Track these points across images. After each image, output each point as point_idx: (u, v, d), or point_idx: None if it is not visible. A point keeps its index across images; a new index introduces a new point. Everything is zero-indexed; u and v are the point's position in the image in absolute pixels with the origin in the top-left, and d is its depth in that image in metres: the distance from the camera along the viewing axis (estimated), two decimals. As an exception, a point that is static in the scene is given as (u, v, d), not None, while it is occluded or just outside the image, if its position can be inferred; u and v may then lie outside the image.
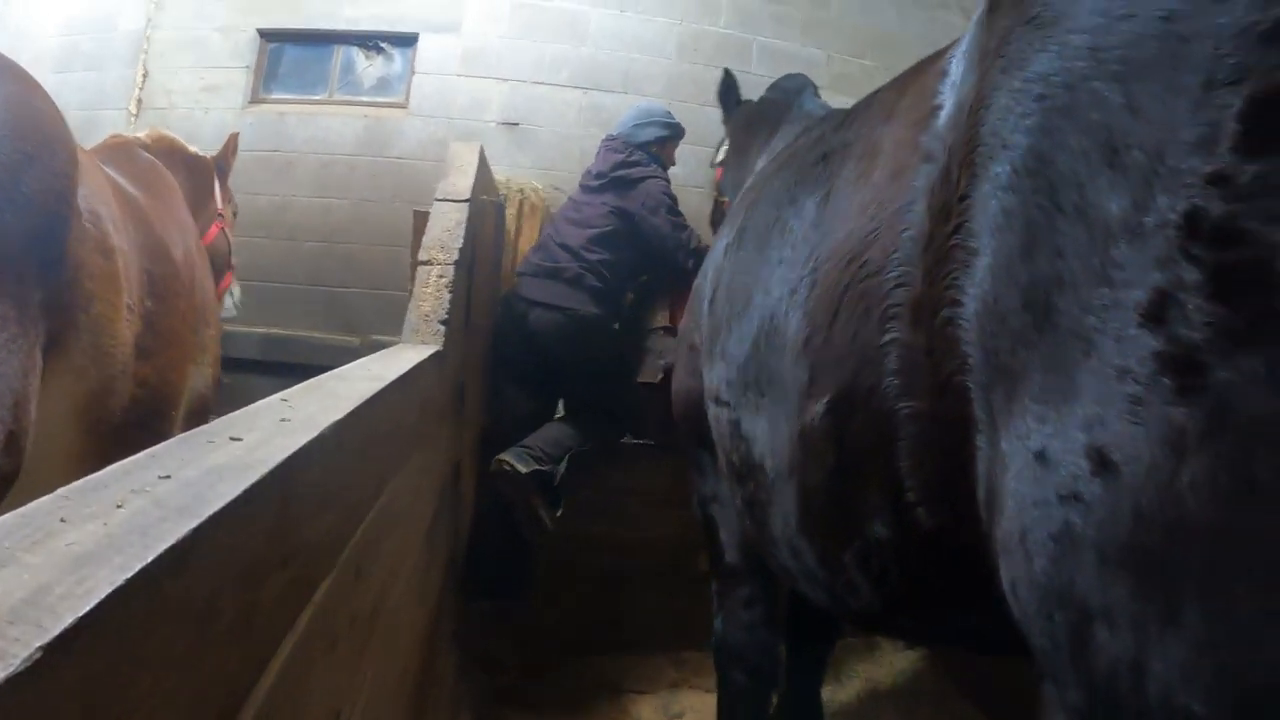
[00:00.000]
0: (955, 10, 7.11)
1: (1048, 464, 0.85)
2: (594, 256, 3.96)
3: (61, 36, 5.92)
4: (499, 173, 5.11)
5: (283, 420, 1.04)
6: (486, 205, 3.81)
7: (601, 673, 3.72)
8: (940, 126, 1.22)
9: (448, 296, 2.88)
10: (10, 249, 1.70)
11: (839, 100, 6.09)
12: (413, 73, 5.77)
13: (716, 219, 4.30)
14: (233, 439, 0.91)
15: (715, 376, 2.05)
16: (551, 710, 3.42)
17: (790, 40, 6.48)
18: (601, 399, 4.02)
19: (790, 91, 3.69)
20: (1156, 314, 0.74)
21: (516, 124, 5.77)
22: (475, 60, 5.77)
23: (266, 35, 5.74)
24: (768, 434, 1.67)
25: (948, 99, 1.24)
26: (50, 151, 1.83)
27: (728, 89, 4.22)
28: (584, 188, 4.24)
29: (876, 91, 1.76)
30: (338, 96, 5.78)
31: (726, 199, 4.16)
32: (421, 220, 3.46)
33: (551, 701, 3.48)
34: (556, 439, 3.79)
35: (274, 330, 5.29)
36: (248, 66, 5.70)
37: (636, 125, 4.41)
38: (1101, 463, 0.78)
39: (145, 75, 5.71)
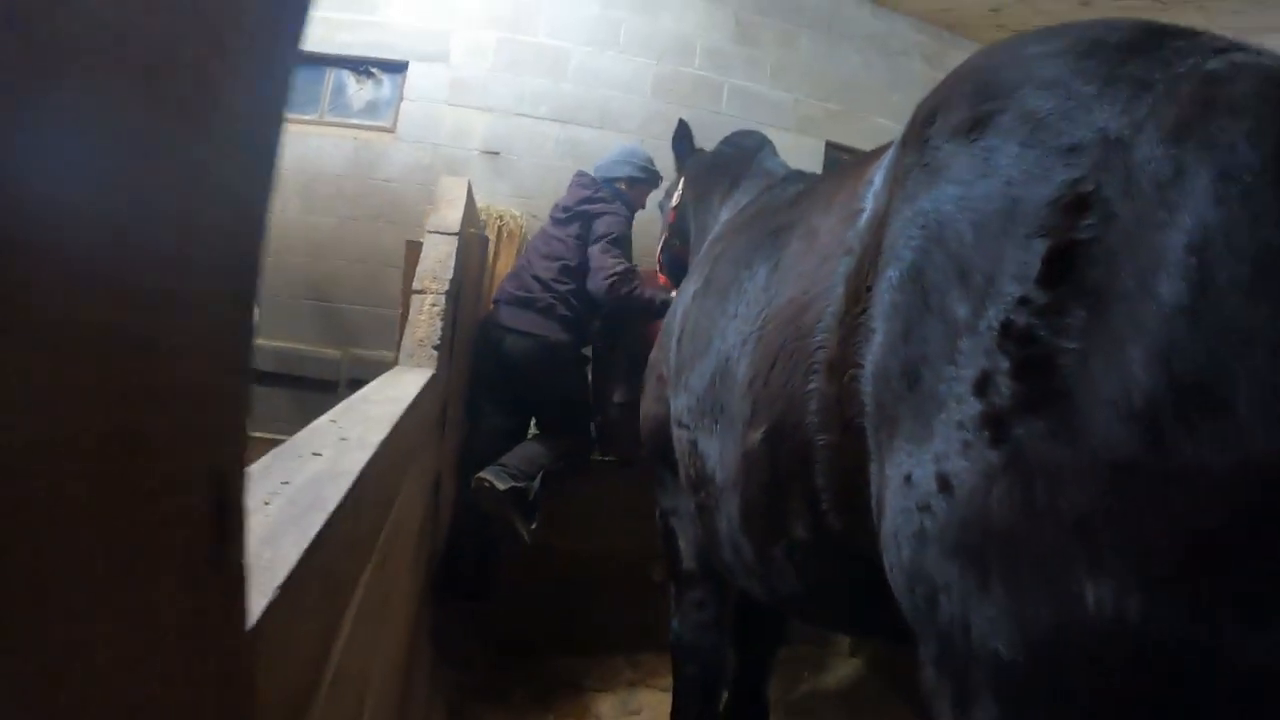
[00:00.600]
0: (916, 58, 7.44)
1: (911, 484, 1.20)
2: (563, 287, 4.26)
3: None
4: (480, 199, 5.40)
5: (342, 439, 1.34)
6: (472, 238, 4.11)
7: (564, 672, 4.01)
8: (860, 227, 1.56)
9: (439, 324, 3.16)
10: None
11: (805, 141, 6.53)
12: (401, 99, 6.04)
13: (668, 256, 4.51)
14: (314, 454, 1.21)
15: (679, 404, 2.40)
16: (518, 705, 3.71)
17: (760, 83, 6.80)
18: (571, 419, 4.33)
19: (749, 149, 3.91)
20: (981, 387, 1.09)
21: (498, 153, 6.08)
22: (461, 90, 6.07)
23: None
24: (718, 453, 2.03)
25: (868, 205, 1.56)
26: None
27: (682, 137, 4.47)
28: (553, 219, 4.54)
29: (821, 179, 2.25)
30: (328, 117, 6.04)
31: (677, 241, 4.44)
32: (414, 250, 3.74)
33: (518, 697, 3.76)
34: (531, 457, 4.06)
35: (261, 341, 5.53)
36: None
37: (614, 162, 4.72)
38: (944, 485, 1.13)
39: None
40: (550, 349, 4.20)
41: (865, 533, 1.44)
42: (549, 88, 6.23)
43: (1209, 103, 0.99)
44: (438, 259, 3.47)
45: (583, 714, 3.78)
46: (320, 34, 5.91)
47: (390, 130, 6.05)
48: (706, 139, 4.64)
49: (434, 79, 6.05)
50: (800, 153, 6.25)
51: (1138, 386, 0.93)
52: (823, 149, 6.96)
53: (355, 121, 6.09)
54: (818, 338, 1.59)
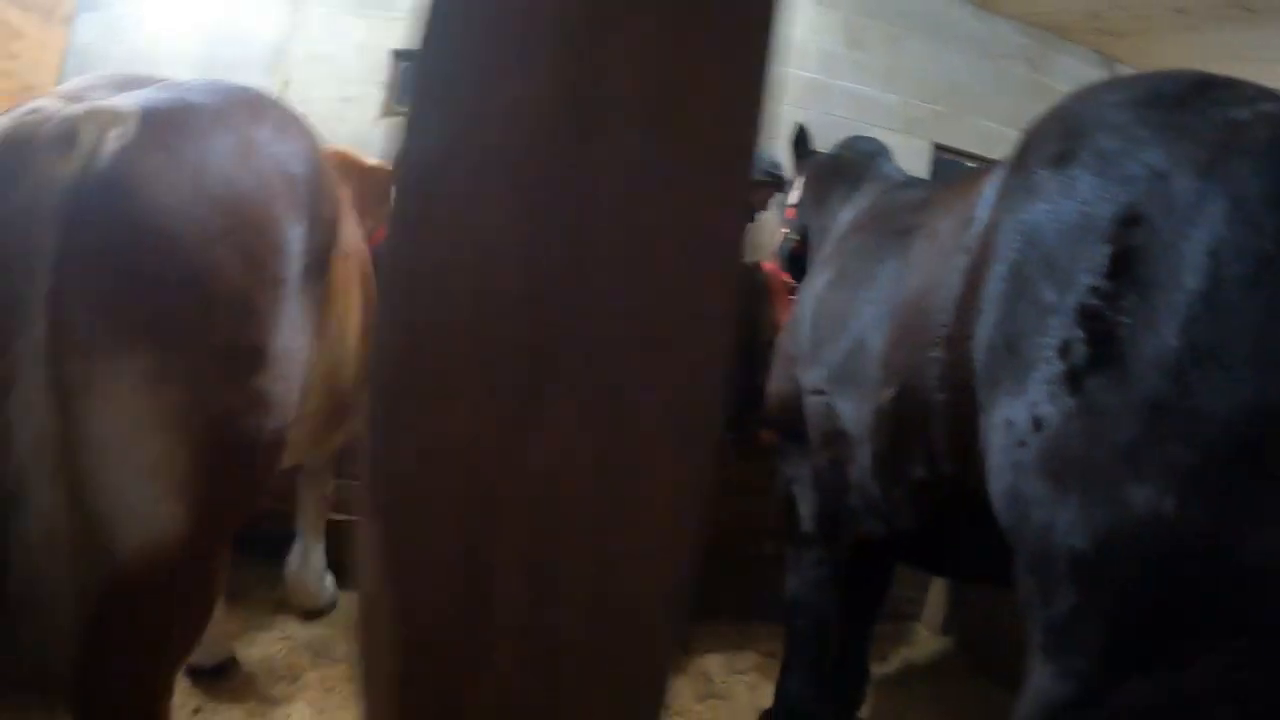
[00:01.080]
0: (1020, 61, 7.49)
1: (1011, 426, 1.64)
2: None
3: (201, 46, 6.39)
4: None
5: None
6: None
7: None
8: (974, 233, 1.98)
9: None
10: (312, 252, 2.12)
11: (913, 142, 6.79)
12: None
13: (785, 252, 4.72)
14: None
15: (815, 375, 2.81)
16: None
17: (869, 85, 6.96)
18: None
19: (867, 154, 4.19)
20: (1063, 352, 1.54)
21: None
22: None
23: (399, 56, 6.34)
24: (854, 412, 2.50)
25: (980, 214, 1.98)
26: (330, 187, 2.36)
27: (800, 140, 4.77)
28: None
29: (940, 190, 2.73)
30: None
31: (796, 238, 4.76)
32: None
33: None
34: None
35: None
36: (381, 82, 6.31)
37: None
38: (1036, 425, 1.58)
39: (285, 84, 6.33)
40: None
41: (972, 473, 1.85)
42: None
43: (1228, 146, 1.43)
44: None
45: (694, 672, 4.10)
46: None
47: None
48: (820, 140, 4.92)
49: None
50: (908, 153, 6.34)
51: (1170, 350, 1.37)
52: (929, 150, 7.12)
53: None
54: (940, 317, 2.02)
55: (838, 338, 2.67)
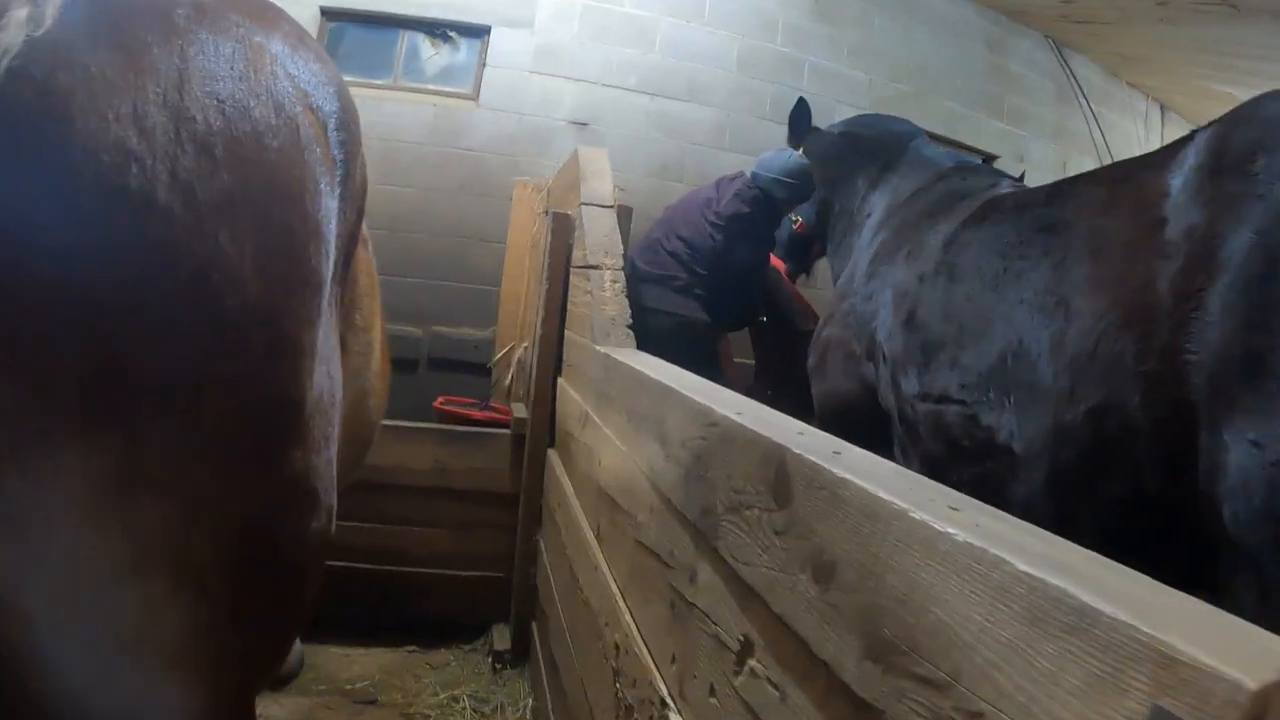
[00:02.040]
0: (980, 42, 7.44)
1: (1260, 446, 1.57)
2: (700, 271, 4.19)
3: None
4: None
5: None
6: (623, 211, 3.89)
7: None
8: (1173, 237, 1.85)
9: (625, 301, 2.96)
10: (345, 239, 1.41)
11: None
12: (483, 65, 5.75)
13: (784, 233, 4.47)
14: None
15: (939, 381, 2.56)
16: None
17: (838, 62, 6.67)
18: None
19: (900, 136, 3.88)
20: None
21: (586, 124, 5.82)
22: (547, 58, 5.80)
23: (329, 14, 5.66)
24: (1015, 426, 2.24)
25: (1174, 217, 1.87)
26: (360, 135, 1.51)
27: (802, 115, 4.42)
28: (707, 208, 4.41)
29: (1073, 181, 2.50)
30: (403, 82, 5.75)
31: (800, 220, 4.33)
32: (563, 222, 3.53)
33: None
34: None
35: None
36: None
37: (776, 180, 4.47)
38: None
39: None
40: (694, 328, 4.08)
41: (1179, 487, 1.80)
42: (636, 58, 5.99)
43: None
44: (603, 232, 3.26)
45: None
46: (394, -8, 5.64)
47: (472, 98, 5.76)
48: (787, 114, 4.58)
49: (518, 45, 5.76)
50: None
51: None
52: None
53: (433, 87, 5.80)
54: (1141, 328, 1.87)
55: (977, 341, 2.42)
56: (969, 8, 7.40)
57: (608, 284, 3.01)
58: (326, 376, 1.27)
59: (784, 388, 4.45)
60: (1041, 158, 7.85)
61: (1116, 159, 8.44)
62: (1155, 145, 9.21)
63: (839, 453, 1.05)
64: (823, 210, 4.16)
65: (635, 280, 4.08)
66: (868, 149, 3.90)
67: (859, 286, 3.22)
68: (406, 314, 5.50)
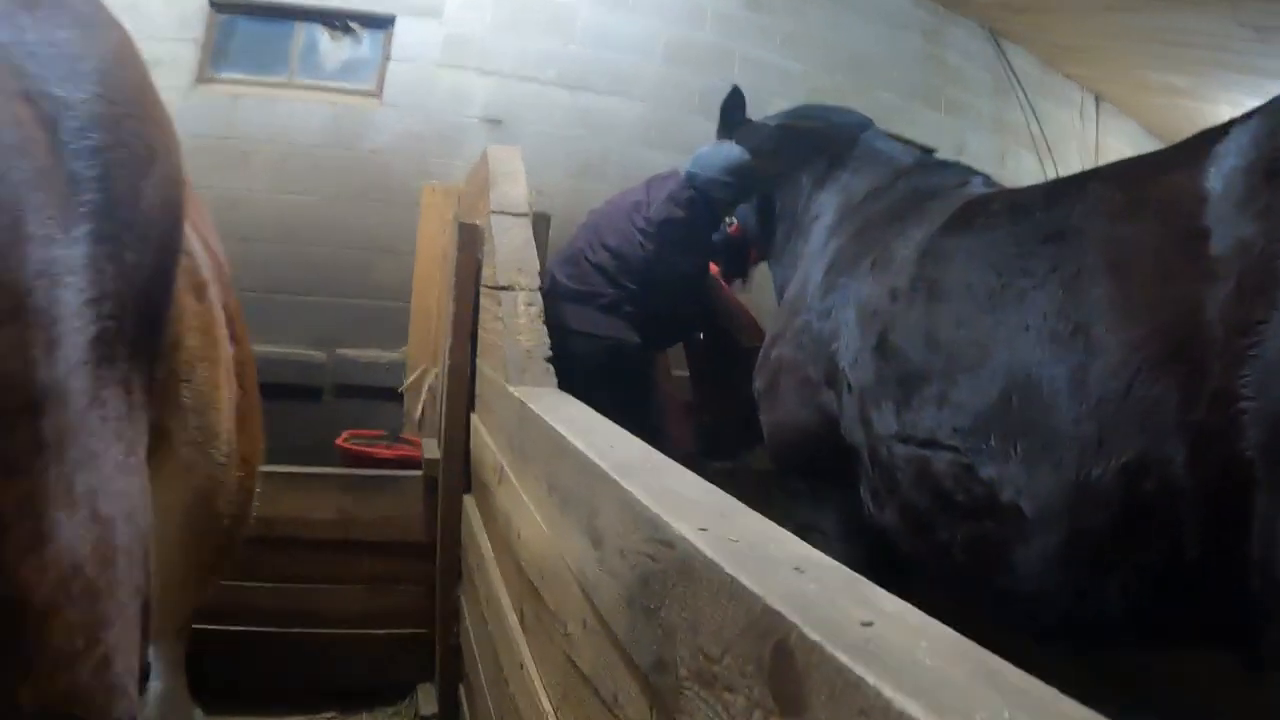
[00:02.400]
0: (916, 33, 7.21)
1: None
2: (630, 285, 3.72)
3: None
4: None
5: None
6: (539, 219, 3.43)
7: None
8: (1221, 252, 1.54)
9: (543, 328, 2.52)
10: (126, 299, 0.92)
11: None
12: (387, 59, 5.25)
13: (719, 236, 4.05)
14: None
15: (922, 420, 2.16)
16: None
17: (770, 52, 6.32)
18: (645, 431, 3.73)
19: (848, 126, 3.53)
20: None
21: (500, 121, 5.34)
22: (457, 50, 5.31)
23: (218, 5, 5.11)
24: (1025, 480, 1.86)
25: (1219, 228, 1.56)
26: (170, 141, 1.06)
27: (734, 105, 4.02)
28: (634, 213, 3.88)
29: (1074, 181, 2.11)
30: (299, 80, 5.21)
31: (735, 222, 3.94)
32: (471, 234, 3.07)
33: None
34: None
35: None
36: (195, 40, 5.04)
37: (714, 179, 3.88)
38: None
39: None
40: (623, 352, 3.63)
41: (1226, 556, 1.52)
42: (555, 49, 5.52)
43: None
44: (514, 246, 2.81)
45: None
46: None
47: (375, 95, 5.24)
48: (717, 107, 4.24)
49: (426, 36, 5.27)
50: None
51: None
52: None
53: (333, 84, 5.26)
54: (1192, 367, 1.56)
55: (972, 375, 2.04)
56: (906, -5, 7.14)
57: (522, 308, 2.57)
58: (89, 523, 0.81)
59: (727, 413, 4.04)
60: (980, 150, 7.62)
61: (1055, 152, 8.46)
62: (1092, 137, 9.36)
63: (870, 624, 0.68)
64: (761, 211, 3.77)
65: (556, 297, 3.61)
66: (811, 143, 3.52)
67: (813, 301, 2.81)
68: (308, 336, 5.00)
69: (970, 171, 3.00)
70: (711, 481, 3.67)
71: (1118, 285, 1.74)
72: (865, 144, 3.37)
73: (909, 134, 7.03)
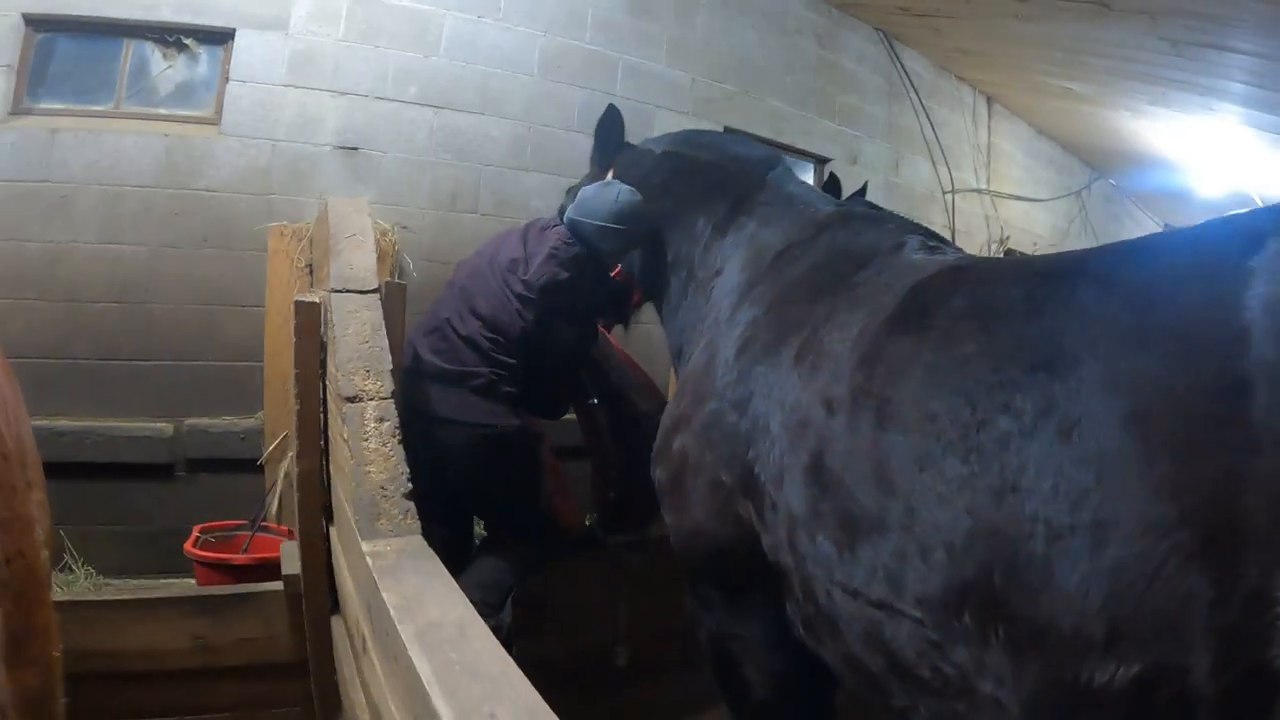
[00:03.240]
0: (809, 37, 6.92)
1: None
2: (505, 358, 3.17)
3: None
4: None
5: None
6: (394, 292, 2.90)
7: None
8: (1265, 416, 1.19)
9: (399, 452, 2.03)
10: None
11: (703, 126, 5.54)
12: (226, 79, 4.59)
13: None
14: None
15: (876, 581, 1.76)
16: None
17: (656, 61, 5.88)
18: (528, 514, 3.32)
19: (751, 162, 3.07)
20: None
21: (356, 148, 4.75)
22: (306, 67, 4.68)
23: (35, 23, 4.40)
24: (1008, 672, 1.51)
25: (1264, 379, 1.20)
26: None
27: (611, 127, 3.49)
28: (499, 265, 3.29)
29: (1058, 274, 1.68)
30: (127, 107, 4.53)
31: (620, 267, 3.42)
32: (309, 315, 2.55)
33: None
34: (496, 581, 3.16)
35: (56, 421, 4.06)
36: (8, 65, 4.34)
37: (601, 228, 3.28)
38: None
39: None
40: (498, 440, 3.13)
41: None
42: (417, 63, 4.94)
43: None
44: (360, 336, 2.29)
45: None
46: (111, -13, 4.42)
47: (213, 122, 4.58)
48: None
49: (270, 52, 4.61)
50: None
51: None
52: None
53: (165, 111, 4.58)
54: (1227, 561, 1.22)
55: (940, 535, 1.61)
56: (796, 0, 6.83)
57: (372, 425, 2.07)
58: None
59: (627, 484, 3.61)
60: (875, 158, 7.42)
61: (949, 156, 8.28)
62: (984, 139, 9.23)
63: None
64: (648, 252, 3.27)
65: (421, 376, 3.09)
66: (709, 179, 3.06)
67: (724, 386, 2.36)
68: (151, 406, 4.36)
69: (903, 226, 2.57)
70: (616, 558, 3.16)
71: (1135, 447, 1.36)
72: (774, 186, 2.92)
73: (802, 144, 6.82)
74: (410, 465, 2.98)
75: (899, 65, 7.76)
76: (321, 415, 2.62)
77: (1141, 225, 13.65)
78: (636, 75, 5.73)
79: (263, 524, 3.78)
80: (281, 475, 3.72)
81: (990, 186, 9.09)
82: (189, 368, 4.44)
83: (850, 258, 2.38)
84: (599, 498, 3.82)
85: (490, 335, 3.10)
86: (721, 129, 6.07)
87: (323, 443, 2.65)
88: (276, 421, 3.94)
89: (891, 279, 2.12)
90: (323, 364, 2.56)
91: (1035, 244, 9.83)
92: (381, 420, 2.09)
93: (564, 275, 3.14)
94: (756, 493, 2.15)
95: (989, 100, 9.16)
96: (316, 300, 2.55)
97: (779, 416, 2.12)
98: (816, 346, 2.09)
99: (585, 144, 5.22)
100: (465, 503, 3.35)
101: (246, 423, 4.39)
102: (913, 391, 1.75)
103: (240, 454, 4.25)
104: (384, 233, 4.29)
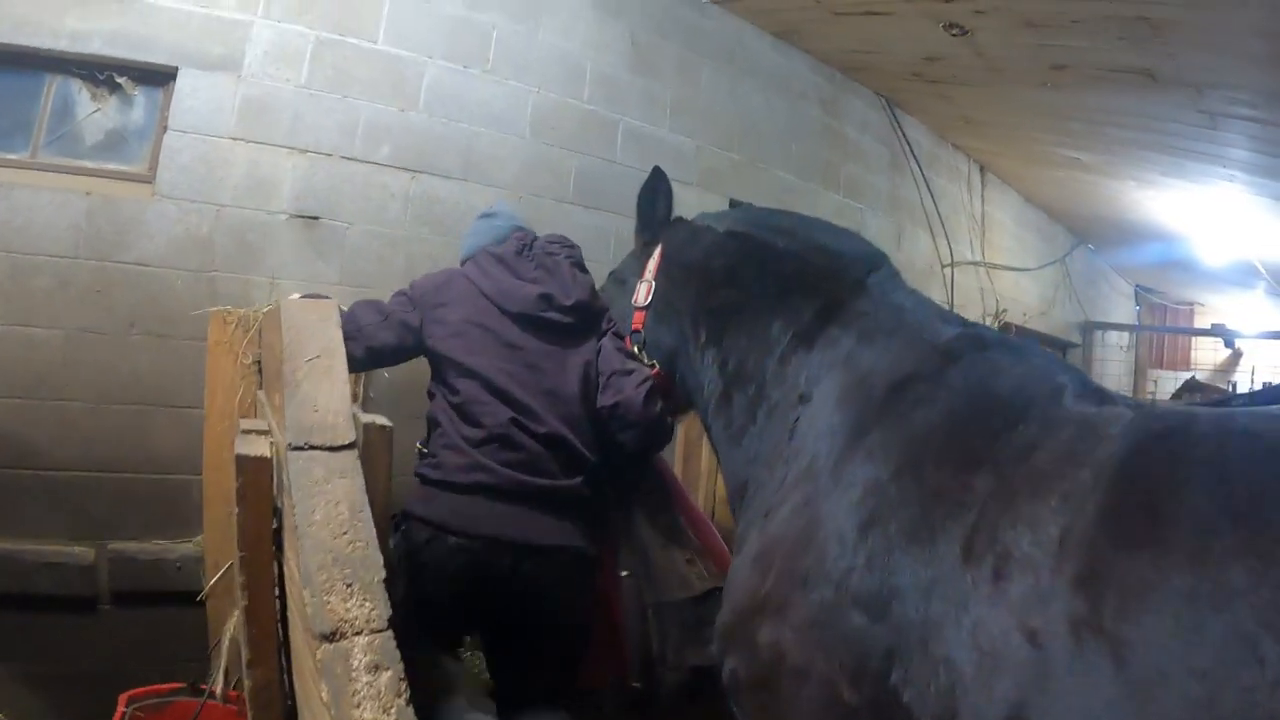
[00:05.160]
0: (814, 102, 6.48)
1: None
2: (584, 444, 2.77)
3: None
4: (291, 289, 3.56)
5: None
6: (374, 435, 2.18)
7: None
8: None
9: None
10: None
11: (709, 199, 5.08)
12: (164, 128, 3.81)
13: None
14: None
15: None
16: None
17: (659, 125, 5.28)
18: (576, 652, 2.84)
19: (847, 258, 2.40)
20: None
21: (316, 217, 3.99)
22: (260, 118, 3.93)
23: None
24: None
25: None
26: None
27: (656, 192, 2.88)
28: (536, 320, 2.84)
29: None
30: (45, 157, 3.74)
31: (657, 365, 2.82)
32: (256, 473, 1.85)
33: None
34: None
35: None
36: None
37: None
38: None
39: None
40: (581, 565, 2.76)
41: None
42: (392, 118, 4.21)
43: None
44: (335, 525, 1.60)
45: None
46: (34, 18, 3.60)
47: (147, 180, 3.79)
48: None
49: (217, 97, 3.85)
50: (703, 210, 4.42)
51: None
52: (725, 207, 5.43)
53: (90, 164, 3.80)
54: None
55: None
56: (802, 61, 6.31)
57: (364, 680, 1.38)
58: None
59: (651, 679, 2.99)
60: (879, 232, 6.97)
61: (947, 227, 7.88)
62: (979, 210, 8.89)
63: None
64: (686, 354, 2.65)
65: (475, 494, 2.64)
66: (789, 272, 2.41)
67: (841, 571, 1.77)
68: (69, 527, 3.54)
69: (1048, 360, 2.00)
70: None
71: None
72: (877, 293, 2.28)
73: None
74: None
75: (900, 133, 7.35)
76: (277, 606, 1.92)
77: (1118, 289, 14.08)
78: (638, 140, 5.12)
79: (207, 688, 3.04)
80: (229, 628, 2.99)
81: (984, 257, 8.75)
82: (113, 481, 3.63)
83: (1001, 407, 1.80)
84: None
85: (560, 408, 2.75)
86: (727, 202, 5.50)
87: (280, 637, 1.95)
88: (219, 549, 3.18)
89: (1074, 447, 1.60)
90: (278, 543, 1.87)
91: (1025, 314, 9.59)
92: (378, 670, 1.40)
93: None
94: None
95: (982, 169, 8.87)
96: (264, 454, 1.86)
97: (949, 636, 1.55)
98: (996, 544, 1.54)
99: (581, 218, 4.68)
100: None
101: (182, 548, 3.61)
102: (1166, 634, 1.30)
103: (175, 585, 3.47)
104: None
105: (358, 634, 1.45)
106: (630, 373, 2.71)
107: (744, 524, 2.22)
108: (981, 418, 1.79)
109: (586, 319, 2.87)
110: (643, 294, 2.74)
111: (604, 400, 2.73)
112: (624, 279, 2.93)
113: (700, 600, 2.81)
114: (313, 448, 1.75)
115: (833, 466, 1.94)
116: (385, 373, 3.76)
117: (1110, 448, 1.55)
